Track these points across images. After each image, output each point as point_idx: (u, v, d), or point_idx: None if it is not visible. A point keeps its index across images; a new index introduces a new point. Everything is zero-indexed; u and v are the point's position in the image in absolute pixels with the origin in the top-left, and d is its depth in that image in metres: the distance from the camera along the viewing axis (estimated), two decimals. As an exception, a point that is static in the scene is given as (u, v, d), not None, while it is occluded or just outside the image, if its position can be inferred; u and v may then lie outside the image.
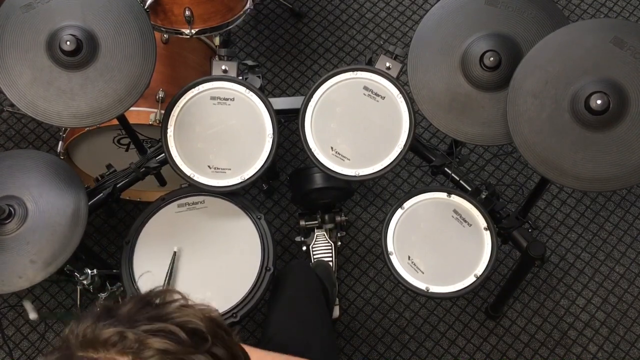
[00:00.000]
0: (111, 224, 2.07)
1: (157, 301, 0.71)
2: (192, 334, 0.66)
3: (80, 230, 1.35)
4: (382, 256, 1.46)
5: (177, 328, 0.65)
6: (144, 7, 1.51)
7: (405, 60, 1.40)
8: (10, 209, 1.33)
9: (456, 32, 1.35)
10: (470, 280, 1.41)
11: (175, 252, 1.46)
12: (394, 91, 1.43)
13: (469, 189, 1.55)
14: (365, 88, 1.44)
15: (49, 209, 1.35)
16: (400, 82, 1.44)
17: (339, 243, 1.91)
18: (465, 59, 1.34)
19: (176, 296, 0.74)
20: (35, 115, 1.28)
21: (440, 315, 1.97)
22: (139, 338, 0.63)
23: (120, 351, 0.63)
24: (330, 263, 1.87)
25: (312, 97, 1.44)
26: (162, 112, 1.47)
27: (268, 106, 1.44)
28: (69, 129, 1.73)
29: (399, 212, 1.47)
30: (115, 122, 1.41)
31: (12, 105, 1.40)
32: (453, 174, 1.59)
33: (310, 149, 1.44)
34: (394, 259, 1.44)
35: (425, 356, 1.92)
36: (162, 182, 1.67)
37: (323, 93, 1.45)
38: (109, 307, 0.70)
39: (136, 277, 1.44)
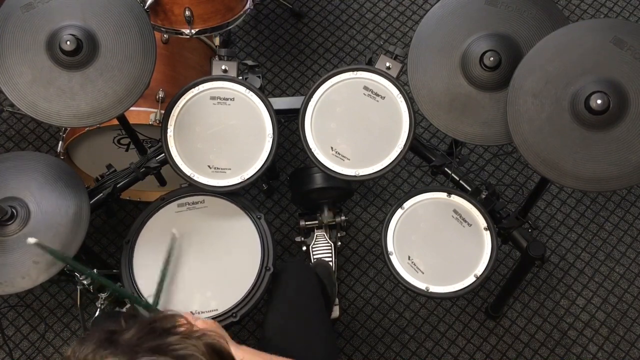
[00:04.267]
0: (111, 224, 2.07)
1: (160, 325, 0.71)
2: None
3: (83, 231, 1.36)
4: (382, 256, 1.46)
5: None
6: (144, 7, 1.51)
7: (405, 60, 1.40)
8: (13, 210, 1.33)
9: (456, 32, 1.35)
10: (470, 280, 1.41)
11: (174, 235, 1.40)
12: (394, 91, 1.43)
13: (469, 189, 1.55)
14: (365, 88, 1.44)
15: (51, 210, 1.36)
16: (400, 82, 1.44)
17: (339, 243, 1.91)
18: (465, 59, 1.34)
19: (181, 320, 0.73)
20: (35, 115, 1.28)
21: (440, 315, 1.97)
22: None
23: None
24: (330, 263, 1.87)
25: (312, 97, 1.44)
26: (162, 112, 1.47)
27: (268, 106, 1.44)
28: (69, 129, 1.73)
29: (399, 212, 1.47)
30: (115, 122, 1.41)
31: (12, 105, 1.40)
32: (453, 174, 1.59)
33: (310, 149, 1.45)
34: (394, 259, 1.44)
35: (425, 356, 1.92)
36: (162, 182, 1.67)
37: (323, 93, 1.45)
38: (113, 331, 0.70)
39: (136, 277, 1.44)
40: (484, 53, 1.31)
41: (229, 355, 0.74)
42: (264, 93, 1.45)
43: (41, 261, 1.31)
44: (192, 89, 1.44)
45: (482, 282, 1.41)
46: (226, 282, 1.45)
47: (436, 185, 1.84)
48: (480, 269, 1.42)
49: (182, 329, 0.72)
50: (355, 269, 2.03)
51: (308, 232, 1.89)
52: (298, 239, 1.89)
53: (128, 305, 1.44)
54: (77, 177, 1.42)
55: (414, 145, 1.58)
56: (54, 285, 1.98)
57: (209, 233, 1.50)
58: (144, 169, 1.55)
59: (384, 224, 1.47)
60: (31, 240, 1.20)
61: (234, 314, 1.40)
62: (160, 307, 1.31)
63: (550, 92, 1.22)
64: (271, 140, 1.44)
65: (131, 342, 0.68)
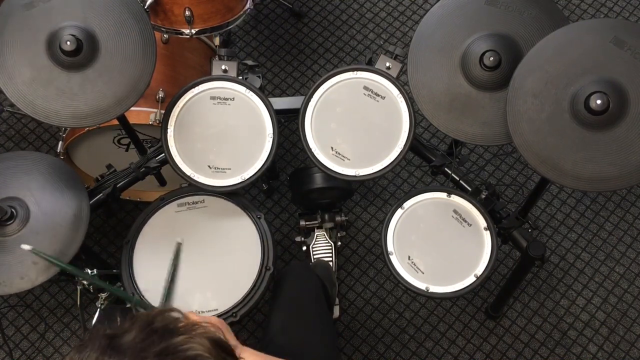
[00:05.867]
0: (111, 224, 2.07)
1: (161, 325, 0.70)
2: None
3: (82, 232, 1.36)
4: (382, 256, 1.46)
5: None
6: (144, 7, 1.51)
7: (405, 60, 1.40)
8: (12, 210, 1.33)
9: (456, 32, 1.35)
10: (470, 280, 1.41)
11: (179, 244, 1.36)
12: (394, 91, 1.43)
13: (469, 189, 1.55)
14: (365, 88, 1.44)
15: (51, 211, 1.35)
16: (400, 82, 1.44)
17: (339, 243, 1.91)
18: (465, 58, 1.34)
19: (176, 314, 0.73)
20: (35, 115, 1.28)
21: (440, 315, 1.97)
22: None
23: None
24: (330, 263, 1.87)
25: (312, 97, 1.44)
26: (162, 112, 1.47)
27: (268, 106, 1.44)
28: (69, 129, 1.73)
29: (399, 212, 1.47)
30: (116, 122, 1.41)
31: (12, 105, 1.40)
32: (453, 174, 1.59)
33: (310, 149, 1.44)
34: (394, 259, 1.44)
35: (425, 356, 1.92)
36: (162, 182, 1.67)
37: (323, 93, 1.45)
38: (113, 335, 0.68)
39: (136, 277, 1.44)
40: (483, 53, 1.31)
41: (229, 348, 0.74)
42: (264, 93, 1.45)
43: (40, 262, 1.31)
44: (192, 89, 1.44)
45: (482, 282, 1.41)
46: (226, 282, 1.45)
47: (436, 185, 1.84)
48: (480, 269, 1.42)
49: (181, 324, 0.71)
50: (355, 269, 2.03)
51: (308, 232, 1.89)
52: (298, 239, 1.89)
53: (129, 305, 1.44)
54: (77, 178, 1.42)
55: (414, 145, 1.58)
56: (54, 285, 1.98)
57: (209, 233, 1.50)
58: (144, 169, 1.55)
59: (384, 224, 1.47)
60: (25, 246, 1.19)
61: (234, 314, 1.40)
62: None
63: (550, 92, 1.22)
64: (271, 140, 1.44)
65: (136, 347, 0.67)
